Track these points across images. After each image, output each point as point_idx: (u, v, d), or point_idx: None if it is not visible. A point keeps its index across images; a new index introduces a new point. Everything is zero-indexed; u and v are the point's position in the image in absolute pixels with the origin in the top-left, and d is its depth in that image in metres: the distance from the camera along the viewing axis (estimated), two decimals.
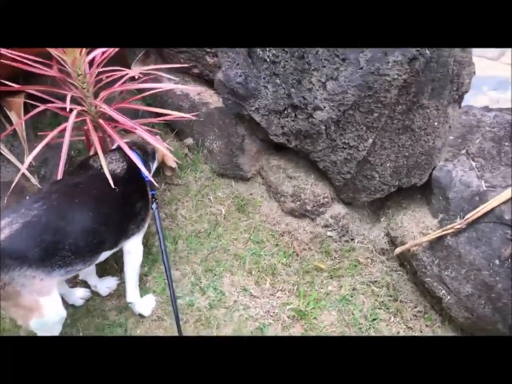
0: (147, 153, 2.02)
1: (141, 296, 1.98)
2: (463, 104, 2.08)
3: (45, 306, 1.55)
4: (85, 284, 2.09)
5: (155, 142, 1.89)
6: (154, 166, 2.10)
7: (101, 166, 1.72)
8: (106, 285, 2.07)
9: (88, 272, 2.04)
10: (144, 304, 1.99)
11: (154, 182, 1.89)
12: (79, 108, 1.99)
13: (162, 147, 1.93)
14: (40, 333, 1.64)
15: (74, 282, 2.12)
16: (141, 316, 1.98)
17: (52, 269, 1.54)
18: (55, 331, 1.66)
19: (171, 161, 2.16)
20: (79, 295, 2.04)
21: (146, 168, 1.87)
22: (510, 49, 2.78)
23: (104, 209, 1.70)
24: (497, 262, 1.64)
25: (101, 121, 1.94)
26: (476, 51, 2.80)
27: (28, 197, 1.69)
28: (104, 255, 1.78)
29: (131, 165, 1.84)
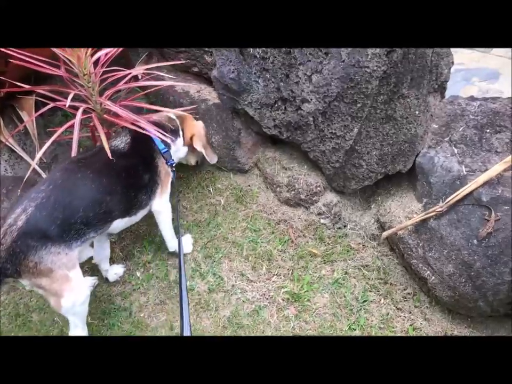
0: (166, 131, 2.07)
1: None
2: (452, 94, 2.17)
3: (74, 279, 1.72)
4: (92, 273, 2.23)
5: (155, 133, 1.98)
6: (178, 143, 2.16)
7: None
8: (115, 271, 2.21)
9: (102, 257, 2.19)
10: (186, 244, 2.21)
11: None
12: (85, 105, 2.14)
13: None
14: (70, 315, 1.77)
15: (83, 271, 2.26)
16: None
17: (71, 242, 1.70)
18: (83, 312, 1.79)
19: (199, 144, 2.19)
20: (87, 283, 2.18)
21: (164, 144, 2.03)
22: None
23: (106, 181, 1.81)
24: (475, 241, 1.73)
25: (107, 116, 2.08)
26: None
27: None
28: (119, 224, 1.92)
29: (137, 140, 1.96)
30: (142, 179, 1.96)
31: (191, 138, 2.19)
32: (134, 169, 1.93)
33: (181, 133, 2.17)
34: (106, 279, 2.20)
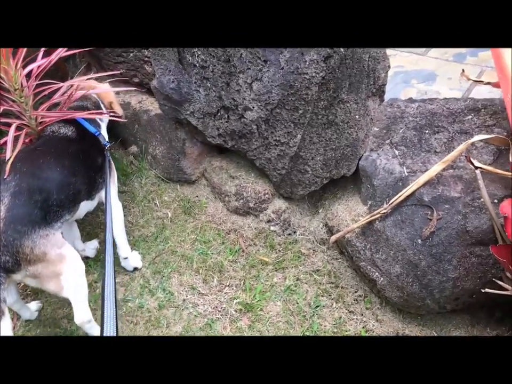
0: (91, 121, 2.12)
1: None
2: (391, 96, 2.21)
3: (67, 255, 1.72)
4: (35, 296, 2.13)
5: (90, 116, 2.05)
6: (104, 117, 2.21)
7: (52, 131, 1.94)
8: (92, 247, 2.24)
9: (74, 239, 2.19)
10: (136, 258, 2.17)
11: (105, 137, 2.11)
12: (18, 121, 2.04)
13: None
14: (72, 293, 1.73)
15: (25, 294, 2.15)
16: (135, 269, 2.17)
17: (53, 224, 1.73)
18: (84, 286, 1.77)
19: (119, 108, 2.26)
20: (33, 308, 2.08)
21: (94, 124, 2.08)
22: None
23: (68, 163, 1.85)
24: (419, 241, 1.76)
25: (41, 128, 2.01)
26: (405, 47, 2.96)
27: None
28: (84, 207, 1.96)
29: (79, 126, 2.01)
30: (97, 161, 1.99)
31: (110, 105, 2.23)
32: (88, 152, 1.96)
33: (101, 105, 2.21)
34: (87, 258, 2.20)
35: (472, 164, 1.56)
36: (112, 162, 2.09)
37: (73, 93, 2.07)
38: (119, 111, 2.26)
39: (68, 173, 1.84)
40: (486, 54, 2.72)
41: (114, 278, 1.45)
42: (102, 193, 2.02)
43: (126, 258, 2.13)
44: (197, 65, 1.94)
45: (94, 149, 2.01)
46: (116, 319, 1.31)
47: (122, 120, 2.28)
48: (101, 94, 2.21)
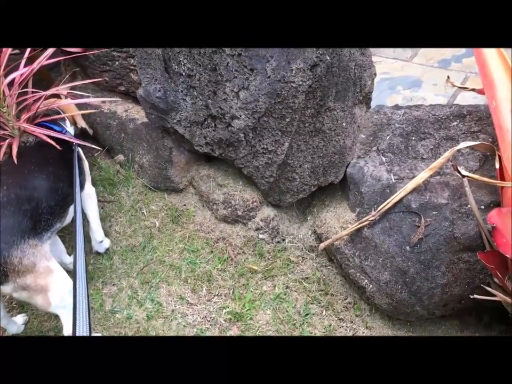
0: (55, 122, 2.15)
1: None
2: (378, 103, 2.22)
3: (55, 270, 1.71)
4: (21, 309, 2.10)
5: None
6: (66, 125, 2.23)
7: (24, 142, 1.96)
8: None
9: (61, 253, 2.16)
10: (107, 240, 2.23)
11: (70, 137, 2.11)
12: (1, 132, 2.01)
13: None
14: (61, 309, 1.72)
15: (11, 307, 2.12)
16: (107, 250, 2.24)
17: (42, 234, 1.73)
18: (70, 303, 1.66)
19: (82, 121, 2.31)
20: (19, 321, 2.05)
21: (58, 125, 2.11)
22: (421, 50, 2.97)
23: (52, 169, 1.86)
24: (408, 248, 1.76)
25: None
26: (390, 54, 2.99)
27: None
28: (71, 210, 1.93)
29: (46, 129, 2.01)
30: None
31: (73, 118, 2.27)
32: (65, 154, 1.95)
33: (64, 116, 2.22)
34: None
35: (459, 172, 1.57)
36: (82, 155, 2.13)
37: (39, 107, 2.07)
38: (82, 123, 2.30)
39: (55, 178, 1.84)
40: (470, 60, 2.75)
41: (86, 266, 1.45)
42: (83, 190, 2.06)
43: (101, 241, 2.18)
44: (183, 74, 1.92)
45: (68, 150, 2.01)
46: (89, 322, 1.27)
47: (89, 131, 2.35)
48: (63, 107, 2.22)
